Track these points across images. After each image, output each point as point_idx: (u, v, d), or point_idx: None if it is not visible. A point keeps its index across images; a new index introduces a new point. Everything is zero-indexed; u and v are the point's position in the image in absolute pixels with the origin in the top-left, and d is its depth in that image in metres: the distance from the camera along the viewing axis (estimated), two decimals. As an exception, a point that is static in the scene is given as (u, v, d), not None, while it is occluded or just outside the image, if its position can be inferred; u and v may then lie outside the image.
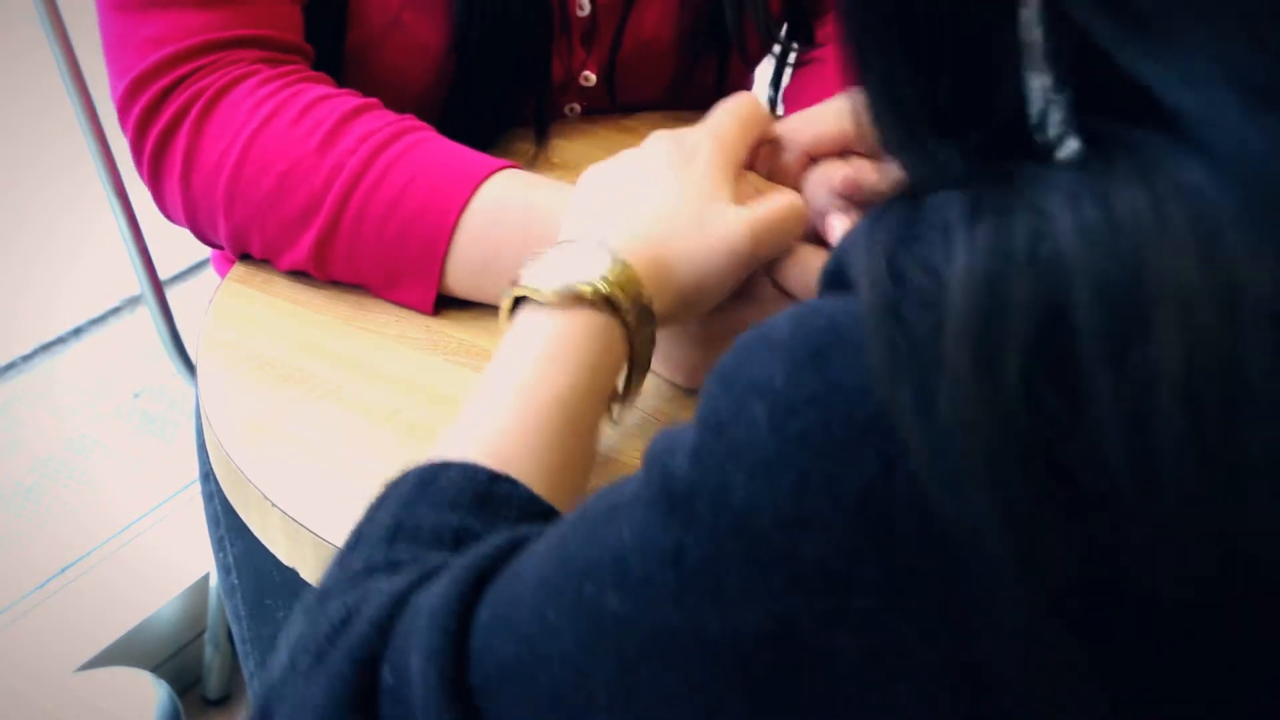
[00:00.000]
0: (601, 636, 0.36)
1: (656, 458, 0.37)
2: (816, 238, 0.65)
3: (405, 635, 0.40)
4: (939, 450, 0.31)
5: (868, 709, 0.33)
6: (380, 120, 0.72)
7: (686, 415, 0.65)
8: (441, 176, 0.70)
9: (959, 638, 0.32)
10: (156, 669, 1.41)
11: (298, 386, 0.67)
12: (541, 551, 0.40)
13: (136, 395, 1.76)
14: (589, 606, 0.36)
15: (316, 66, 0.78)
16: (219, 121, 0.72)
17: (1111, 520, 0.30)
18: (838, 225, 0.64)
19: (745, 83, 1.05)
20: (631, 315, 0.57)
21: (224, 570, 0.89)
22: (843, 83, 0.69)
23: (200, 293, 1.59)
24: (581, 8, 0.85)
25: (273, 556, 0.63)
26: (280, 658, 0.43)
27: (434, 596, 0.41)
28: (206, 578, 1.42)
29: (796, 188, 0.66)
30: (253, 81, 0.73)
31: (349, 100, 0.73)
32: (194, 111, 0.72)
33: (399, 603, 0.42)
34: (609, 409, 0.60)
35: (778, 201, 0.61)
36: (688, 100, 0.89)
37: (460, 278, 0.70)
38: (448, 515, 0.48)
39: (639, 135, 0.66)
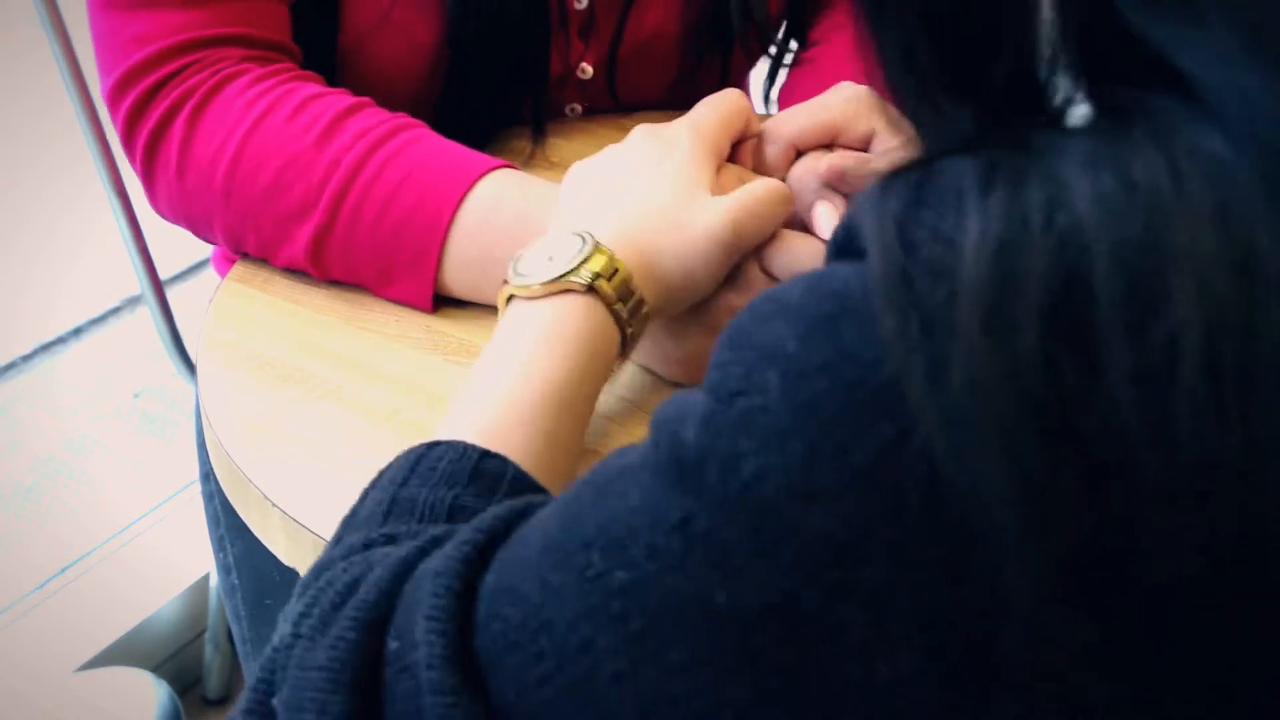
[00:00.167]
0: (607, 604, 0.35)
1: (665, 424, 0.37)
2: (803, 227, 0.65)
3: (410, 600, 0.40)
4: (951, 420, 0.31)
5: (873, 682, 0.32)
6: (376, 117, 0.72)
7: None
8: (437, 173, 0.70)
9: (966, 613, 0.32)
10: (156, 669, 1.41)
11: (298, 386, 0.67)
12: (548, 517, 0.39)
13: (136, 395, 1.76)
14: (594, 573, 0.36)
15: (308, 65, 0.78)
16: (212, 118, 0.73)
17: (1126, 491, 0.30)
18: (823, 213, 0.64)
19: (745, 83, 1.05)
20: (621, 304, 0.57)
21: (224, 570, 0.89)
22: (834, 82, 0.70)
23: (200, 293, 1.59)
24: (579, 1, 0.85)
25: (273, 556, 0.63)
26: (283, 629, 0.42)
27: (439, 559, 0.40)
28: (206, 578, 1.43)
29: (783, 180, 0.66)
30: (245, 80, 0.73)
31: (344, 98, 0.73)
32: (186, 109, 0.73)
33: (406, 567, 0.42)
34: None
35: (756, 188, 0.62)
36: (690, 100, 0.89)
37: (456, 275, 0.70)
38: (441, 491, 0.48)
39: (638, 135, 0.66)
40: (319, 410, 0.66)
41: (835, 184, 0.64)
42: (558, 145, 0.88)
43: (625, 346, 0.59)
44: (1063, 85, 0.34)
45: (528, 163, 0.85)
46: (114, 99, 0.75)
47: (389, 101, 0.75)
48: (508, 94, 0.85)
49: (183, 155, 0.73)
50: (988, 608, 0.31)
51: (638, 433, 0.64)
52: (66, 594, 1.45)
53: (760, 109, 0.88)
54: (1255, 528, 0.30)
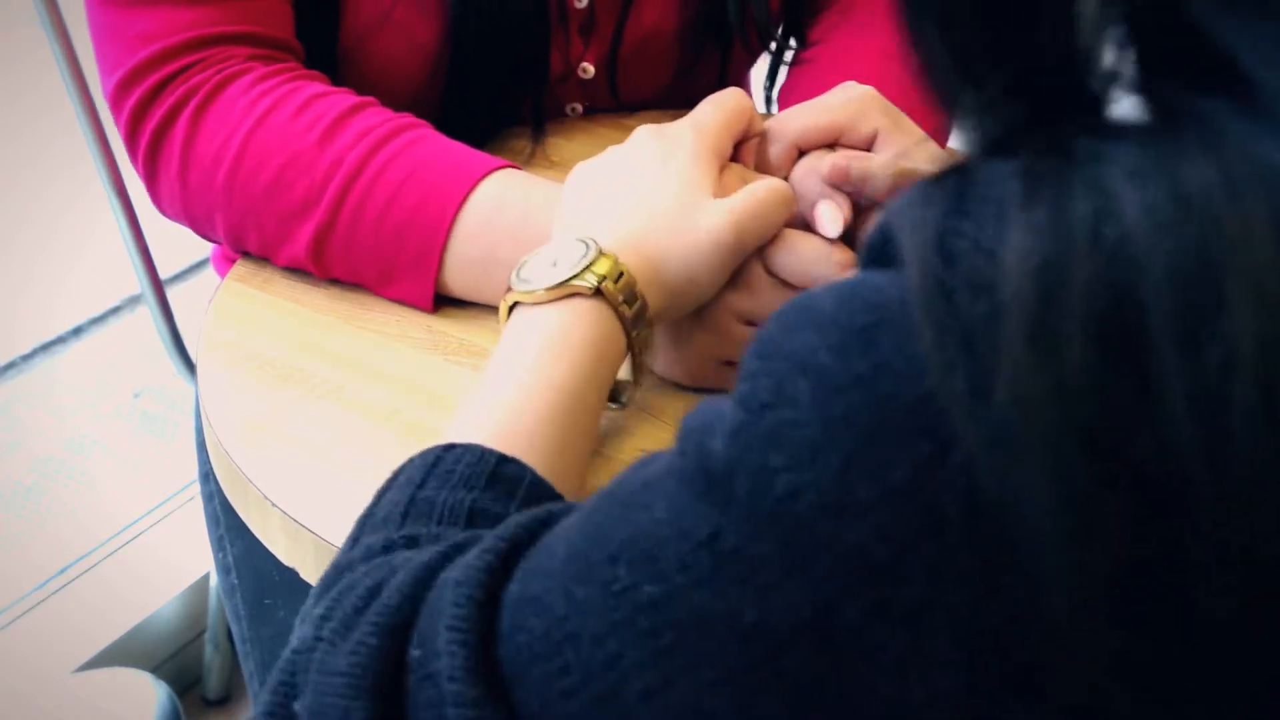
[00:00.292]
0: (634, 619, 0.35)
1: (692, 434, 0.36)
2: (807, 226, 0.65)
3: (433, 608, 0.40)
4: (994, 438, 0.30)
5: (908, 698, 0.32)
6: (379, 116, 0.72)
7: (686, 411, 0.65)
8: (440, 173, 0.70)
9: (1003, 629, 0.31)
10: (156, 669, 1.41)
11: (298, 386, 0.67)
12: (572, 526, 0.39)
13: (136, 395, 1.76)
14: (621, 586, 0.35)
15: (309, 64, 0.78)
16: (216, 117, 0.73)
17: (1176, 508, 0.29)
18: (826, 212, 0.64)
19: (745, 82, 1.05)
20: (626, 307, 0.57)
21: (224, 570, 0.89)
22: (834, 83, 0.70)
23: (200, 292, 1.59)
24: (579, 0, 0.85)
25: (272, 556, 0.63)
26: (304, 631, 0.42)
27: (462, 568, 0.40)
28: (206, 578, 1.42)
29: (786, 180, 0.66)
30: (248, 79, 0.73)
31: (347, 98, 0.73)
32: (190, 107, 0.73)
33: (429, 573, 0.41)
34: (616, 396, 0.60)
35: (758, 188, 0.62)
36: (691, 99, 0.89)
37: (457, 275, 0.70)
38: (460, 493, 0.48)
39: (639, 135, 0.66)
40: (319, 410, 0.66)
41: (838, 184, 0.64)
42: (558, 145, 0.88)
43: (631, 352, 0.59)
44: (1113, 79, 0.33)
45: (528, 162, 0.85)
46: (117, 97, 0.75)
47: (389, 100, 0.75)
48: (508, 93, 0.85)
49: (186, 153, 0.73)
50: (1025, 623, 0.31)
51: (641, 435, 0.64)
52: (66, 594, 1.45)
53: (761, 109, 0.88)
54: None
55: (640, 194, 0.61)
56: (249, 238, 0.74)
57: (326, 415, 0.65)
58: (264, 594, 0.84)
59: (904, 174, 0.64)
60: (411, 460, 0.51)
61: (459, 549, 0.43)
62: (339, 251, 0.71)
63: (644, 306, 0.58)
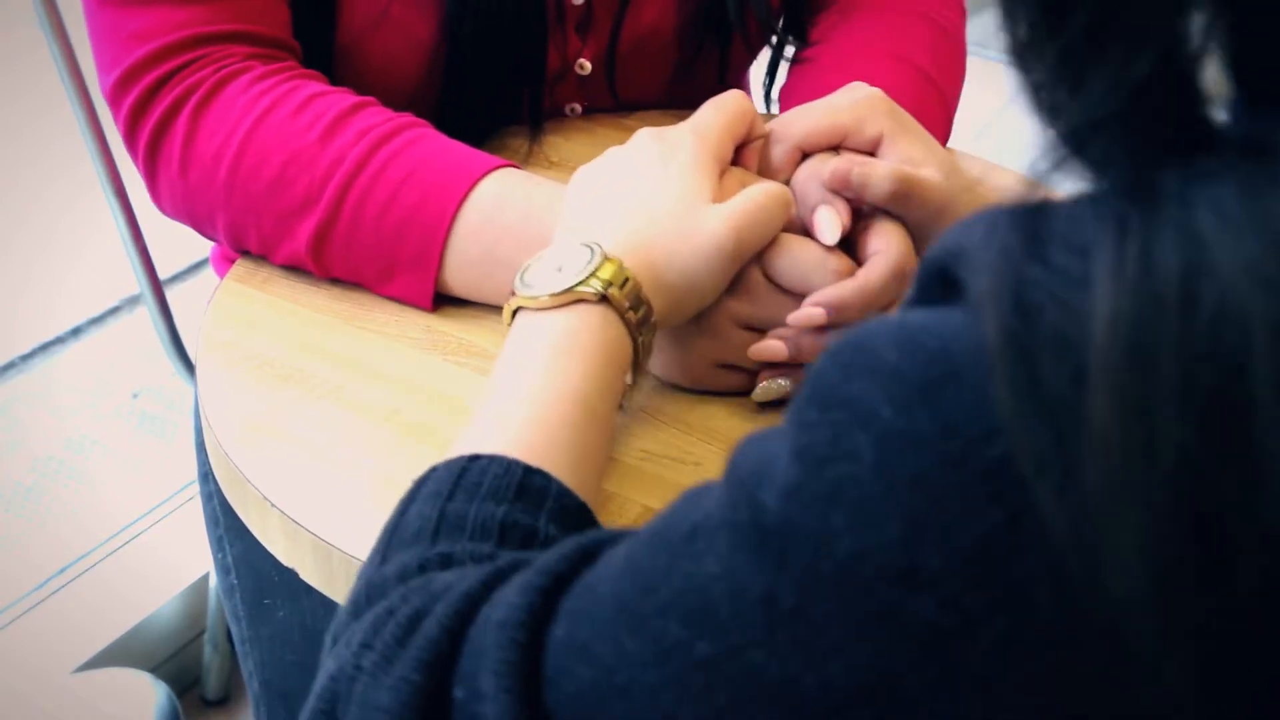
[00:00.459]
0: (688, 677, 0.34)
1: (743, 483, 0.35)
2: (807, 231, 0.65)
3: (476, 649, 0.39)
4: (1081, 516, 0.28)
5: None
6: (380, 115, 0.72)
7: (686, 413, 0.65)
8: (440, 171, 0.70)
9: (1076, 700, 0.30)
10: (156, 669, 1.41)
11: (298, 386, 0.67)
12: (617, 570, 0.38)
13: (136, 395, 1.76)
14: (673, 642, 0.34)
15: (306, 62, 0.79)
16: (216, 115, 0.73)
17: None
18: (825, 218, 0.63)
19: (744, 81, 1.05)
20: (632, 313, 0.57)
21: (223, 570, 0.89)
22: (834, 82, 0.69)
23: (200, 292, 1.59)
24: None
25: (272, 556, 0.63)
26: (342, 654, 0.41)
27: (503, 608, 0.39)
28: (206, 578, 1.42)
29: (788, 183, 0.66)
30: (248, 77, 0.74)
31: (347, 96, 0.73)
32: (189, 105, 0.73)
33: (470, 604, 0.40)
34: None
35: (756, 193, 0.62)
36: (690, 98, 0.89)
37: (457, 274, 0.70)
38: (490, 506, 0.47)
39: (638, 135, 0.66)
40: (319, 410, 0.66)
41: (838, 189, 0.64)
42: (557, 144, 0.87)
43: (637, 356, 0.59)
44: (1203, 103, 0.30)
45: (526, 161, 0.85)
46: (116, 95, 0.75)
47: (387, 99, 0.75)
48: (506, 91, 0.85)
49: (186, 151, 0.73)
50: (1108, 700, 0.30)
51: (641, 435, 0.64)
52: (65, 594, 1.45)
53: (761, 109, 0.88)
54: None
55: (643, 198, 0.61)
56: (249, 235, 0.74)
57: (326, 415, 0.65)
58: (263, 594, 0.84)
59: (906, 179, 0.63)
60: (435, 470, 0.50)
61: (500, 576, 0.42)
62: (339, 249, 0.71)
63: (649, 311, 0.58)
